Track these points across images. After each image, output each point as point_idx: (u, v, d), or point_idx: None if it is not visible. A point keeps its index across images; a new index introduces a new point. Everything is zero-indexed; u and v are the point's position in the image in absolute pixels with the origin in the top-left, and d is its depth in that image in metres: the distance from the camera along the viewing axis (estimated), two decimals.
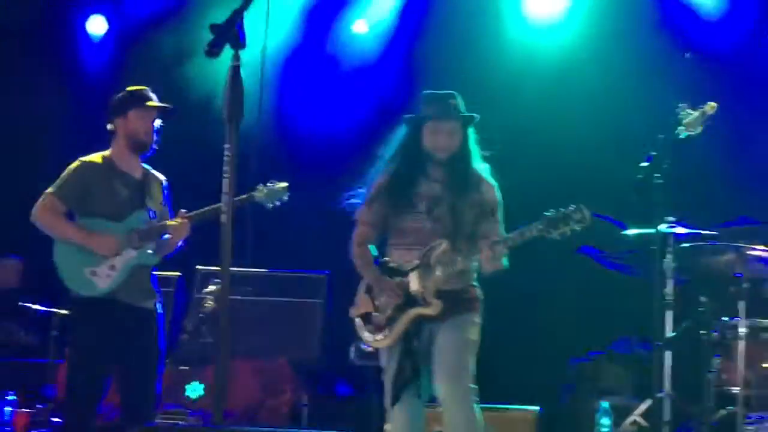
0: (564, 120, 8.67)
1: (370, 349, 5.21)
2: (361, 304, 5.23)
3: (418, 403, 5.09)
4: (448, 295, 5.05)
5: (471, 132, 5.21)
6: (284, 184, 5.83)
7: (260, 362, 7.88)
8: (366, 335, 5.19)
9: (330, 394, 8.36)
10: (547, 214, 4.86)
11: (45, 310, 7.77)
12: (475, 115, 5.19)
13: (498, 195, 5.21)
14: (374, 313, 5.17)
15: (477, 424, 4.97)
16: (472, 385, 5.01)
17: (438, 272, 5.01)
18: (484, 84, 8.44)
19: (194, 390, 7.49)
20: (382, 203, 5.20)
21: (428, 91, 5.23)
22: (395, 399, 5.03)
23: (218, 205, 5.43)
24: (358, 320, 5.23)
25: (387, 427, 5.17)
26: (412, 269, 5.08)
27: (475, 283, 5.21)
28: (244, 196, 5.67)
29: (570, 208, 4.85)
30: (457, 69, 8.90)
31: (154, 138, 5.61)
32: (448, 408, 4.98)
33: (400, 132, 5.26)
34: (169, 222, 5.60)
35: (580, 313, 8.01)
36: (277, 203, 5.82)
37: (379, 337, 5.13)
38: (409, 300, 5.07)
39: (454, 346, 5.03)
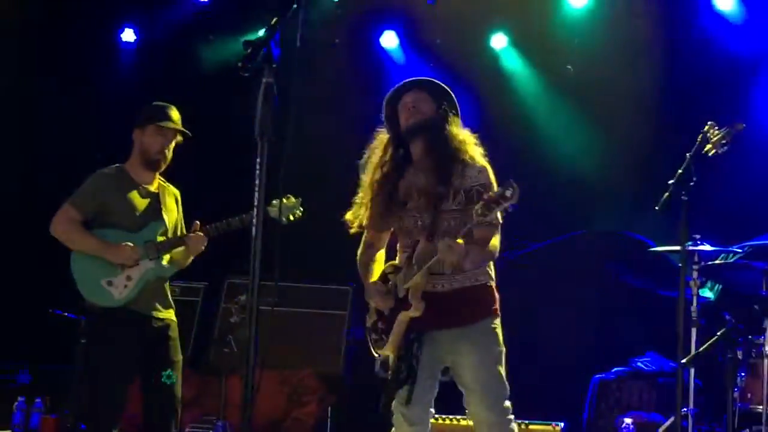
0: (593, 139, 8.69)
1: (382, 358, 4.86)
2: (370, 313, 4.96)
3: (420, 412, 4.76)
4: (452, 296, 4.72)
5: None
6: (297, 199, 5.71)
7: (286, 373, 7.93)
8: (372, 344, 4.93)
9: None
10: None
11: (73, 317, 7.82)
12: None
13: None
14: (378, 321, 4.89)
15: None
16: (507, 403, 4.71)
17: (415, 271, 4.67)
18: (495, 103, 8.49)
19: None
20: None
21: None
22: (386, 405, 4.76)
23: (234, 218, 5.51)
24: (368, 329, 4.96)
25: None
26: (400, 271, 4.81)
27: (489, 282, 4.83)
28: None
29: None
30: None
31: (167, 157, 5.59)
32: None
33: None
34: (187, 234, 5.64)
35: (605, 328, 8.01)
36: (292, 218, 5.69)
37: (381, 344, 4.84)
38: (399, 304, 4.75)
39: (482, 364, 4.69)
